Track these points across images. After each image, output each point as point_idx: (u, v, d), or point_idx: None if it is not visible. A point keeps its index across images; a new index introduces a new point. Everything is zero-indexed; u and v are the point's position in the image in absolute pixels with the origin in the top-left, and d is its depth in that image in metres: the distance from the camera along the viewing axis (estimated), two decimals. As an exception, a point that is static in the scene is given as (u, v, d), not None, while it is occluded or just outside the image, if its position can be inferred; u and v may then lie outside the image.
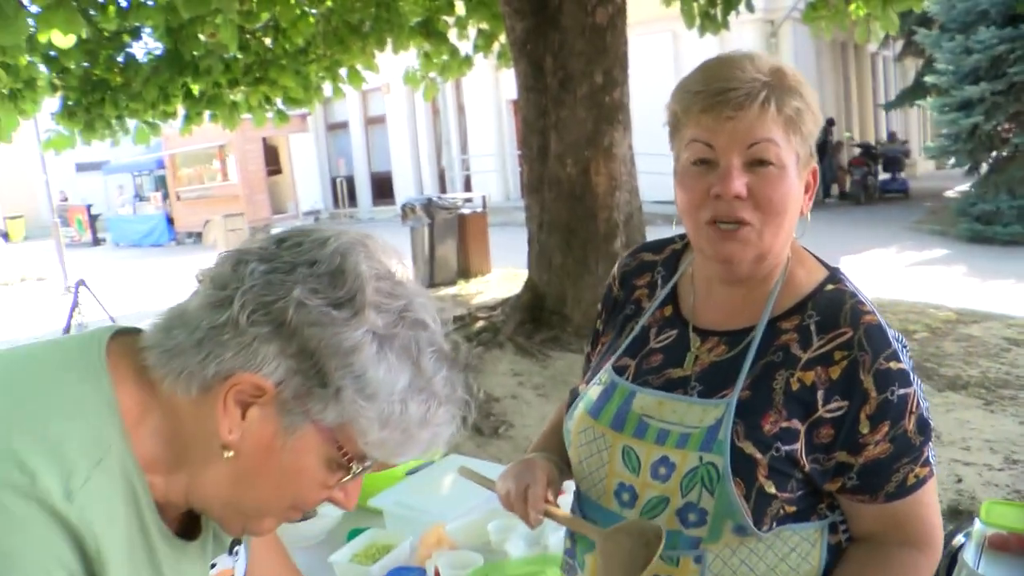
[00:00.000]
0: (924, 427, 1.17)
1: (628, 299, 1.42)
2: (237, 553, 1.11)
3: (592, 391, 1.34)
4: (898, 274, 9.48)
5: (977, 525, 2.30)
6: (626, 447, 1.24)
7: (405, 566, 1.93)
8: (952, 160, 13.39)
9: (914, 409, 1.15)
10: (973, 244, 11.29)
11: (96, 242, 24.80)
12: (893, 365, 1.15)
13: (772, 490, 1.15)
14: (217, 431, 0.86)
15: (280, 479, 0.89)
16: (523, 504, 1.28)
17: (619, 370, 1.32)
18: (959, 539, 2.46)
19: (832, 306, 1.20)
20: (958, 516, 3.60)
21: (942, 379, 5.53)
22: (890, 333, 1.18)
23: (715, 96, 1.14)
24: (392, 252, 0.93)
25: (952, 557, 2.40)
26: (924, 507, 1.20)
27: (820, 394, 1.15)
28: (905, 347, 1.21)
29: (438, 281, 10.71)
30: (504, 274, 10.63)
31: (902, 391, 1.14)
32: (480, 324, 7.57)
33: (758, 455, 1.14)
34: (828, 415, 1.15)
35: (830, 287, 1.23)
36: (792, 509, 1.18)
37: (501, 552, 1.95)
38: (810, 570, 1.20)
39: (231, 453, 0.87)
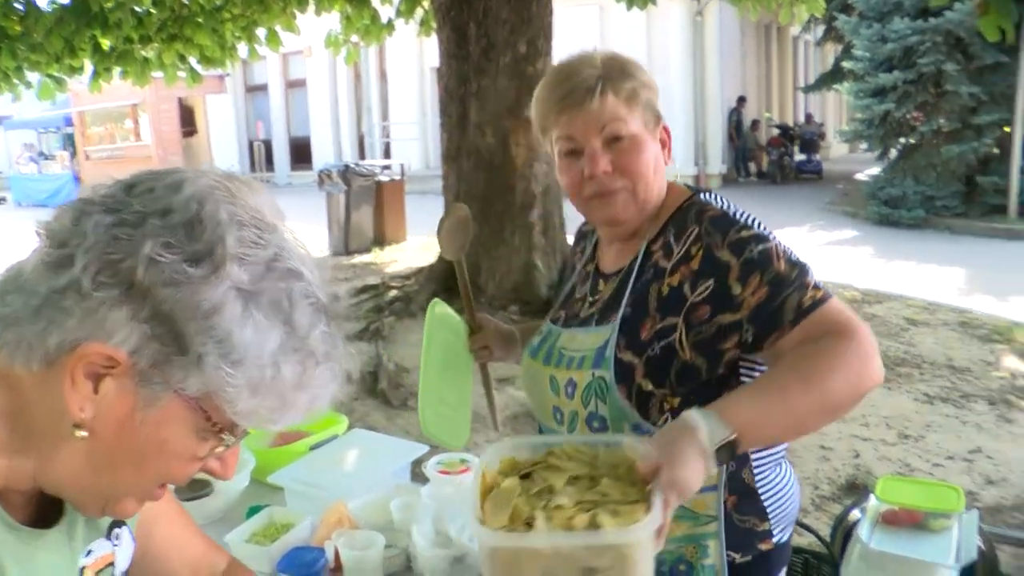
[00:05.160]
0: (796, 263, 1.28)
1: (574, 264, 1.69)
2: (118, 537, 1.00)
3: (535, 339, 1.62)
4: (810, 253, 9.68)
5: (872, 501, 2.37)
6: (551, 376, 1.49)
7: (304, 546, 1.88)
8: (864, 144, 13.81)
9: (780, 255, 1.28)
10: (881, 226, 11.67)
11: (-4, 201, 23.70)
12: (744, 233, 1.30)
13: (649, 387, 1.33)
14: (67, 409, 0.75)
15: (142, 457, 0.80)
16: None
17: (554, 320, 1.60)
18: (855, 514, 2.53)
19: (683, 216, 1.40)
20: (855, 490, 3.72)
21: (845, 357, 5.67)
22: (738, 215, 1.35)
23: (562, 99, 1.38)
24: (261, 192, 0.83)
25: (848, 532, 2.47)
26: (833, 313, 1.24)
27: (687, 286, 1.32)
28: (761, 225, 1.35)
29: (353, 248, 10.62)
30: (420, 243, 10.48)
31: (760, 247, 1.28)
32: (393, 293, 7.45)
33: (636, 360, 1.34)
34: (699, 298, 1.30)
35: (686, 205, 1.42)
36: (676, 401, 1.33)
37: (405, 532, 1.92)
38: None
39: (84, 433, 0.77)
